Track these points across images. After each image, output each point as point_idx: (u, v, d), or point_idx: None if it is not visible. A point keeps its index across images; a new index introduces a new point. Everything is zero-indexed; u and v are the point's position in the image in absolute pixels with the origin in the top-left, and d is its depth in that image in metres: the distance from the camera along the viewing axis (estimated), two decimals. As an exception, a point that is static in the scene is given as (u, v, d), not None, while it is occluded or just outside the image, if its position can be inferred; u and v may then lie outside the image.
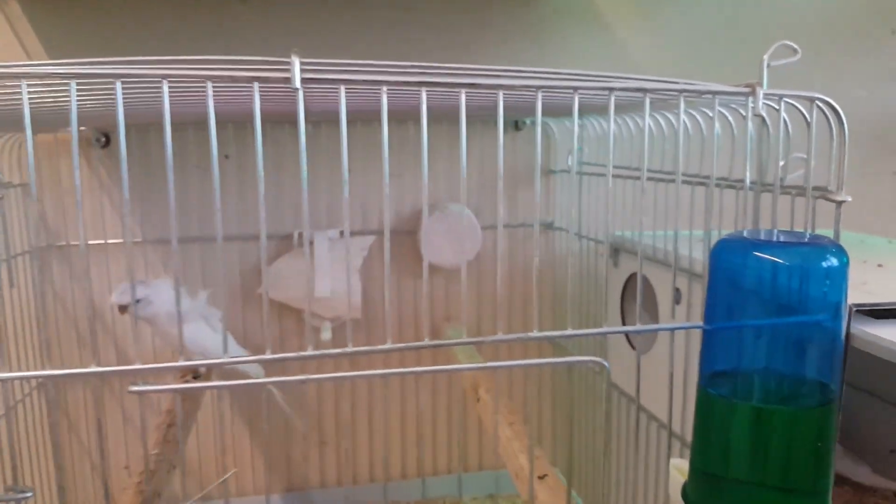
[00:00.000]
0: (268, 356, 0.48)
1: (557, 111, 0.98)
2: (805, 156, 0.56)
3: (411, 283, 1.07)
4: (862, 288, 0.61)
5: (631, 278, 0.89)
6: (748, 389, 0.46)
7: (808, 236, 0.47)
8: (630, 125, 0.89)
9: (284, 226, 1.01)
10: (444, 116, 1.00)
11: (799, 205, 0.58)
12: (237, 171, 0.99)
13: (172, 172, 0.44)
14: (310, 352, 0.50)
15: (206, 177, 0.97)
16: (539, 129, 0.50)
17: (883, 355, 0.52)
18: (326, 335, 0.96)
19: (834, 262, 0.43)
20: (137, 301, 0.78)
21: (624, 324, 0.89)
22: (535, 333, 0.49)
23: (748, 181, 0.53)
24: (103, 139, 0.95)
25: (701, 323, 0.47)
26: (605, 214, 0.54)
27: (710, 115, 0.57)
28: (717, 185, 0.63)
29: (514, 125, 1.08)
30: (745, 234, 0.48)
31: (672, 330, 0.54)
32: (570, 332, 0.49)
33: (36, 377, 0.93)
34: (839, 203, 0.51)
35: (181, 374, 0.84)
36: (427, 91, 0.44)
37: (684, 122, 0.54)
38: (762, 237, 0.47)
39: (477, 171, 1.06)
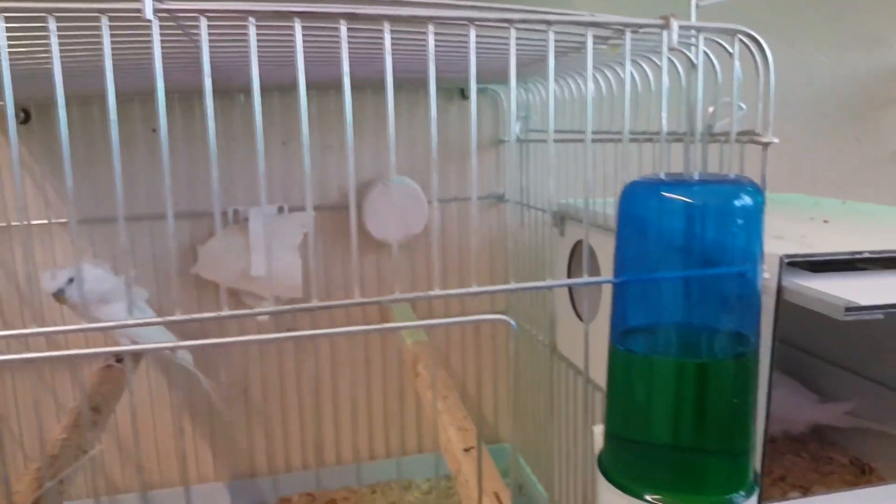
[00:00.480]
0: (177, 317, 0.44)
1: (503, 76, 0.94)
2: (734, 101, 0.52)
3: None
4: (800, 241, 0.57)
5: (577, 247, 0.86)
6: (660, 344, 0.42)
7: (726, 178, 0.43)
8: (573, 88, 0.85)
9: (222, 202, 0.96)
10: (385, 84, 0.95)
11: (745, 154, 0.55)
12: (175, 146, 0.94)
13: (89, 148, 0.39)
14: (225, 311, 0.46)
15: (130, 153, 0.93)
16: (474, 94, 0.46)
17: (814, 307, 0.48)
18: (263, 316, 0.92)
19: (748, 201, 0.40)
20: (70, 282, 0.73)
21: (571, 294, 0.85)
22: (437, 292, 0.45)
23: (663, 129, 0.49)
24: (22, 115, 0.90)
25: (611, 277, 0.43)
26: (549, 182, 0.50)
27: (658, 63, 0.53)
28: (648, 139, 0.60)
29: (461, 93, 1.03)
30: (660, 176, 0.44)
31: (582, 285, 0.50)
32: (474, 289, 0.45)
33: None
34: (765, 145, 0.47)
35: (105, 358, 0.80)
36: (302, 24, 0.40)
37: (631, 73, 0.50)
38: (677, 179, 0.43)
39: (424, 142, 1.01)
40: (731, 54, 0.47)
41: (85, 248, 0.93)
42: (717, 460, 0.43)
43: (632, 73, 0.62)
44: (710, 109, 0.53)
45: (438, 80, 0.92)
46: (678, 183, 0.40)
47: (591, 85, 0.51)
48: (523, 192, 0.97)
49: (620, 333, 0.43)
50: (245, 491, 1.03)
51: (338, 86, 0.96)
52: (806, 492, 0.83)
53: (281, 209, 0.97)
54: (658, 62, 0.60)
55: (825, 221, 0.69)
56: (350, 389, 1.05)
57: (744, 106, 0.52)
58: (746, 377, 0.41)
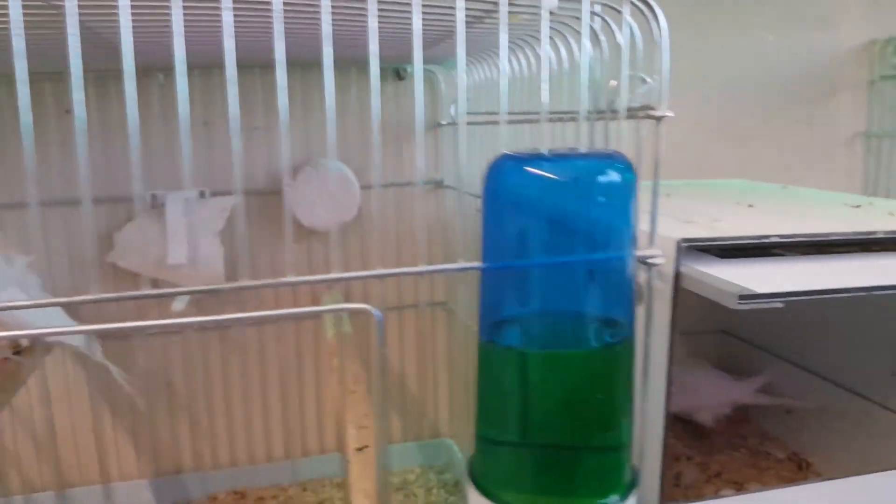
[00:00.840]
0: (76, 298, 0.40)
1: (441, 55, 0.89)
2: (643, 76, 0.48)
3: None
4: (710, 225, 0.54)
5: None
6: (524, 334, 0.38)
7: (600, 153, 0.39)
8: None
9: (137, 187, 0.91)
10: (318, 63, 0.91)
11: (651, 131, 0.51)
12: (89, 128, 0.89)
13: None
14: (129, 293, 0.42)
15: (43, 136, 0.87)
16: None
17: (708, 294, 0.45)
18: (178, 305, 0.87)
19: (615, 177, 0.36)
20: None
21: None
22: (333, 275, 0.42)
23: (545, 107, 0.45)
24: (-80, 92, 0.85)
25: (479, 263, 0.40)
26: (472, 166, 0.46)
27: (573, 39, 0.49)
28: (572, 119, 0.56)
29: (396, 74, 0.99)
30: (537, 152, 0.40)
31: (448, 272, 0.46)
32: (378, 272, 0.42)
33: None
34: (658, 119, 0.44)
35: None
36: None
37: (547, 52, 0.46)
38: (549, 155, 0.39)
39: (355, 125, 0.97)
40: (621, 11, 0.43)
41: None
42: (588, 459, 0.39)
43: (549, 50, 0.58)
44: (612, 83, 0.49)
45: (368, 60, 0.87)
46: (544, 158, 0.36)
47: (504, 63, 0.47)
48: (459, 176, 0.93)
49: (486, 325, 0.39)
50: (171, 489, 0.99)
51: (262, 65, 0.91)
52: (740, 488, 0.80)
53: (202, 194, 0.92)
54: (570, 38, 0.56)
55: (750, 206, 0.65)
56: (280, 384, 1.01)
57: (649, 79, 0.48)
58: (616, 368, 0.38)
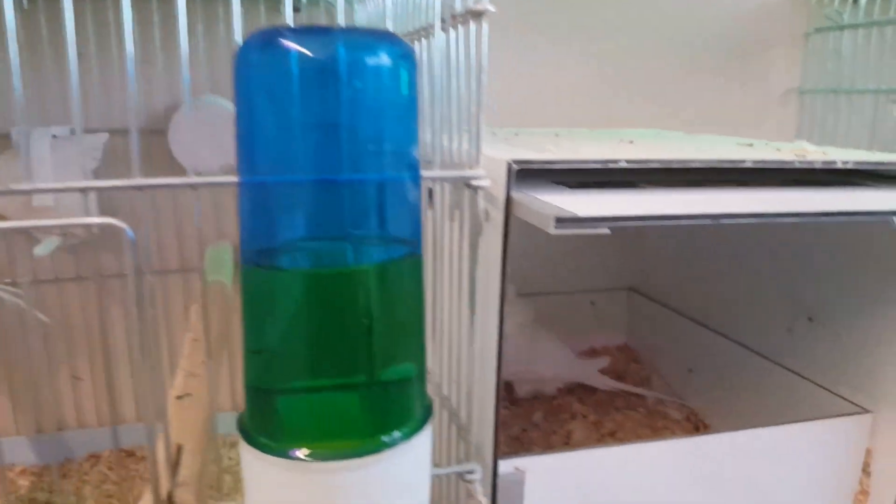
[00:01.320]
0: None
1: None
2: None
3: (169, 194, 0.91)
4: (564, 154, 0.48)
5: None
6: (283, 253, 0.33)
7: (373, 32, 0.33)
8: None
9: (4, 122, 0.84)
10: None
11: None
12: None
13: None
14: None
15: None
16: None
17: (530, 220, 0.40)
18: (41, 250, 0.81)
19: (384, 59, 0.30)
20: None
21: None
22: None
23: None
24: None
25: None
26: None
27: None
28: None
29: (294, 7, 0.92)
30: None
31: (226, 185, 0.40)
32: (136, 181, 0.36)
33: None
34: (478, 14, 0.38)
35: None
36: None
37: None
38: (308, 28, 0.33)
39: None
40: None
41: None
42: (370, 394, 0.34)
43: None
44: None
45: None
46: (301, 31, 0.31)
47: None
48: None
49: (247, 251, 0.33)
50: (51, 447, 0.94)
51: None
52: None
53: (72, 131, 0.85)
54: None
55: (630, 142, 0.60)
56: (168, 338, 0.95)
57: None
58: (395, 287, 0.33)
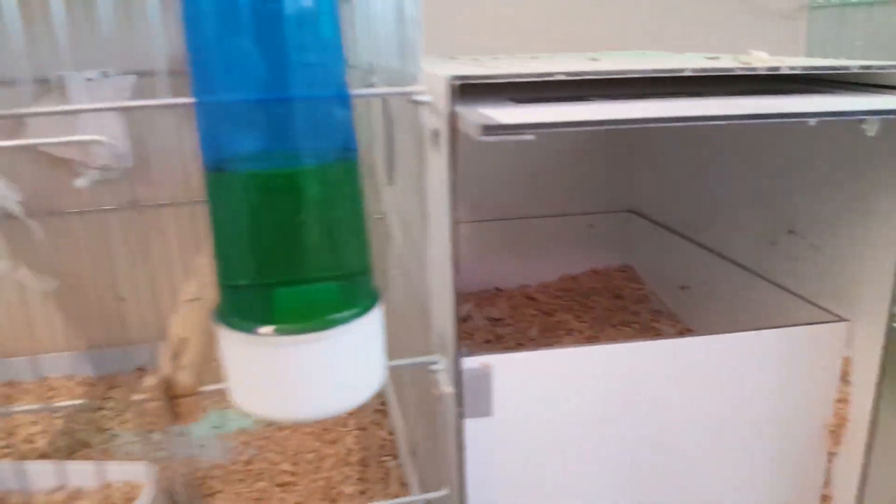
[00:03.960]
0: None
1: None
2: None
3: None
4: (505, 68, 0.51)
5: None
6: (234, 157, 0.38)
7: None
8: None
9: (42, 68, 0.92)
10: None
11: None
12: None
13: None
14: None
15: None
16: None
17: (465, 130, 0.44)
18: (82, 182, 0.90)
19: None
20: None
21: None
22: None
23: None
24: None
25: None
26: None
27: None
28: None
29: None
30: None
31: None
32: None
33: None
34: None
35: None
36: None
37: None
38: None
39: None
40: None
41: None
42: (317, 286, 0.40)
43: None
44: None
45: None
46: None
47: None
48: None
49: (204, 157, 0.39)
50: (102, 361, 1.06)
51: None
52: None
53: (106, 74, 0.92)
54: None
55: (593, 59, 0.62)
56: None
57: None
58: (334, 188, 0.38)
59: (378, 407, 0.92)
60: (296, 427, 0.89)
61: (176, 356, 0.50)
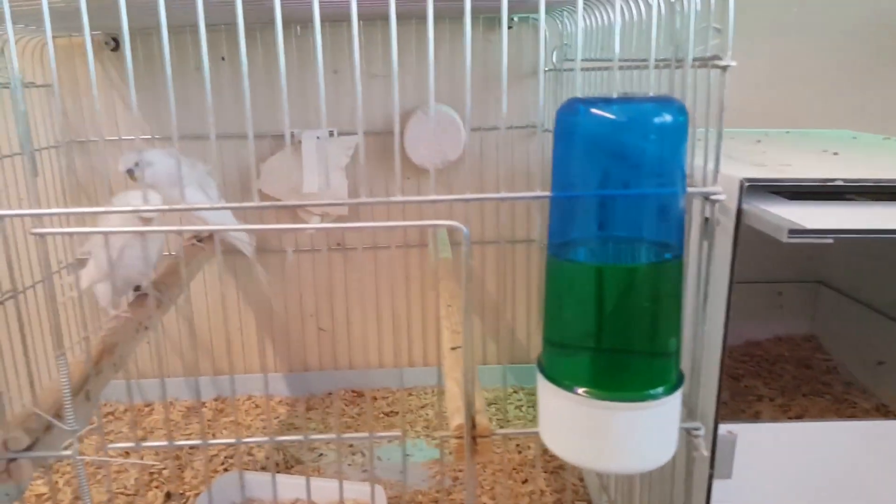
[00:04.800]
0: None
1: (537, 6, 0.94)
2: (715, 26, 0.52)
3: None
4: (780, 169, 0.57)
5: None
6: (586, 251, 0.46)
7: (658, 98, 0.45)
8: (605, 17, 0.85)
9: (278, 125, 1.06)
10: (437, 13, 0.99)
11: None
12: (231, 73, 1.04)
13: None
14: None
15: (201, 79, 1.03)
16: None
17: (764, 229, 0.50)
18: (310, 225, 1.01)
19: (667, 118, 0.42)
20: (136, 164, 0.81)
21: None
22: (398, 198, 0.51)
23: (652, 58, 0.51)
24: (112, 43, 1.03)
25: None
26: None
27: None
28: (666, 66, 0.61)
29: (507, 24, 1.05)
30: (607, 96, 0.47)
31: (527, 199, 0.54)
32: (465, 196, 0.52)
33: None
34: (724, 69, 0.48)
35: (187, 238, 0.92)
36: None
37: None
38: (611, 98, 0.46)
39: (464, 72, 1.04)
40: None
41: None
42: (640, 361, 0.47)
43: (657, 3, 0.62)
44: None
45: (481, 9, 0.95)
46: (606, 101, 0.43)
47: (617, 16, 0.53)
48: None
49: (554, 245, 0.47)
50: (299, 383, 1.17)
51: (383, 17, 1.01)
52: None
53: (331, 133, 1.05)
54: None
55: (834, 154, 0.66)
56: (391, 301, 1.14)
57: (719, 27, 0.52)
58: (664, 282, 0.45)
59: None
60: (485, 464, 0.96)
61: (468, 401, 0.58)
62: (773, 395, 0.89)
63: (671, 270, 0.45)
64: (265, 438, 0.63)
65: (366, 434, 0.59)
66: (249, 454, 0.99)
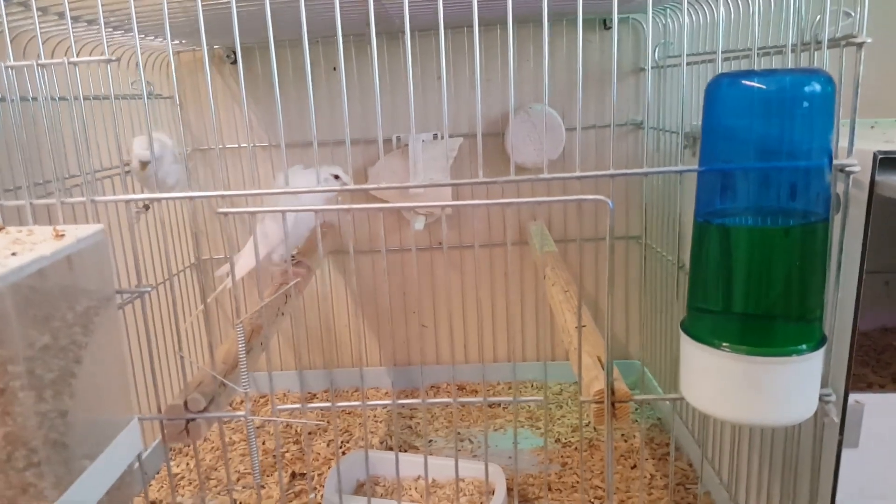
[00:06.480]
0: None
1: (642, 4, 0.98)
2: (846, 10, 0.55)
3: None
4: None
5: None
6: (737, 218, 0.49)
7: (804, 70, 0.48)
8: (707, 12, 0.88)
9: (386, 129, 1.13)
10: (529, 18, 1.05)
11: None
12: (350, 81, 1.12)
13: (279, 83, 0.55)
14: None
15: (318, 86, 1.11)
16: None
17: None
18: (418, 226, 1.08)
19: (816, 87, 0.45)
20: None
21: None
22: (545, 175, 0.56)
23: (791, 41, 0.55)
24: (232, 56, 1.13)
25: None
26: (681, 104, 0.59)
27: None
28: (778, 52, 0.64)
29: (603, 24, 1.09)
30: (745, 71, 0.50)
31: (671, 173, 0.58)
32: (576, 174, 0.56)
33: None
34: (859, 45, 0.51)
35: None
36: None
37: None
38: (757, 71, 0.49)
39: (565, 72, 1.09)
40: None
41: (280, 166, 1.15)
42: (786, 319, 0.49)
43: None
44: (818, 18, 0.57)
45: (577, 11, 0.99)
46: (754, 74, 0.47)
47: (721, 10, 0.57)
48: (660, 117, 1.01)
49: (702, 211, 0.51)
50: (402, 377, 1.23)
51: (485, 23, 1.07)
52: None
53: (435, 136, 1.11)
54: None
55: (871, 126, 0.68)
56: (490, 297, 1.19)
57: (852, 13, 0.55)
58: (810, 246, 0.47)
59: (667, 442, 0.99)
60: (592, 450, 0.99)
61: (606, 369, 0.61)
62: (883, 382, 0.88)
63: (818, 232, 0.48)
64: (388, 402, 0.69)
65: (510, 398, 0.63)
66: (362, 441, 1.05)
